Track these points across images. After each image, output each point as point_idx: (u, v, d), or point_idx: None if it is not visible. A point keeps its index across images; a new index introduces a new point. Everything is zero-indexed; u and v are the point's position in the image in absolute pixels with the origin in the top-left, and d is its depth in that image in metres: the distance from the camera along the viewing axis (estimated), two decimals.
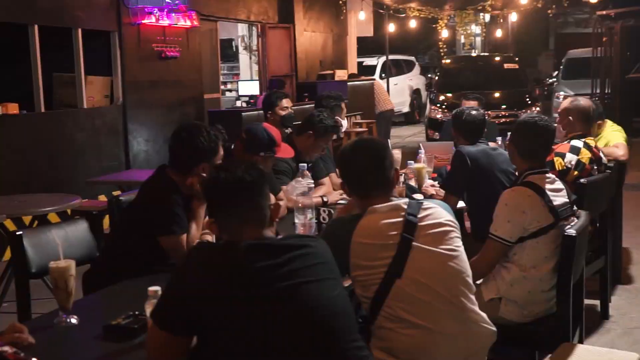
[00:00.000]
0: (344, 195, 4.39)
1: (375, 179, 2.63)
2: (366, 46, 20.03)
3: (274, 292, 2.02)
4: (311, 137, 4.57)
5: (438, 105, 12.63)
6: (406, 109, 19.52)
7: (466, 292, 2.53)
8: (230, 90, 13.77)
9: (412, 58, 20.89)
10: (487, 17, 24.36)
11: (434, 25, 15.79)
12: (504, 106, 12.19)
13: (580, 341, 3.45)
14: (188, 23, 9.27)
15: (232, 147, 3.94)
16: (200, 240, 3.14)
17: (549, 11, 15.40)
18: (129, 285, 2.86)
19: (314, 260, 2.15)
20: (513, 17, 16.84)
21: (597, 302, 4.82)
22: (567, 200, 3.35)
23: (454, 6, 15.10)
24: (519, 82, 13.14)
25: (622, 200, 5.64)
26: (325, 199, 4.48)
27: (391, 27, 15.40)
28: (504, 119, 11.73)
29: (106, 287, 2.90)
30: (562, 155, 4.46)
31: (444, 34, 16.33)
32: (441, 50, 16.88)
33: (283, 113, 5.85)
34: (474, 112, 4.37)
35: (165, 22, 8.89)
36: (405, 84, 19.58)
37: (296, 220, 3.52)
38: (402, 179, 4.34)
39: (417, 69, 20.73)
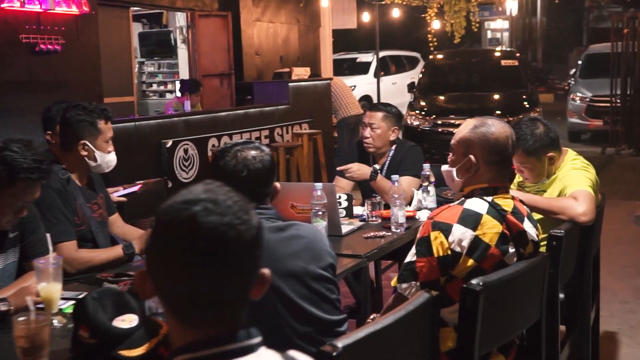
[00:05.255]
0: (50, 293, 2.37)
1: None
2: (364, 40, 18.14)
3: None
4: None
5: (417, 111, 10.40)
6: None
7: None
8: (170, 92, 11.80)
9: (417, 54, 18.64)
10: (515, 9, 22.11)
11: (422, 15, 13.63)
12: (498, 112, 9.91)
13: None
14: (74, 9, 7.26)
15: None
16: None
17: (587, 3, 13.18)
18: None
19: None
20: (510, 5, 14.56)
21: None
22: None
23: None
24: (518, 81, 10.82)
25: (596, 275, 3.48)
26: (4, 308, 2.43)
27: (368, 17, 13.13)
28: None
29: None
30: (446, 229, 2.34)
31: (435, 25, 14.10)
32: (431, 44, 14.67)
33: None
34: (251, 154, 2.16)
35: (35, 6, 6.88)
36: (406, 83, 17.39)
37: None
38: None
39: (421, 66, 18.49)
